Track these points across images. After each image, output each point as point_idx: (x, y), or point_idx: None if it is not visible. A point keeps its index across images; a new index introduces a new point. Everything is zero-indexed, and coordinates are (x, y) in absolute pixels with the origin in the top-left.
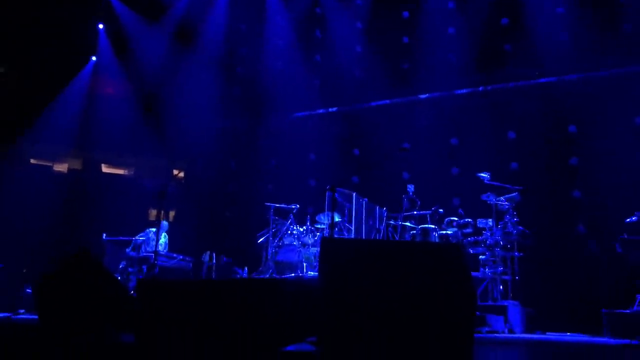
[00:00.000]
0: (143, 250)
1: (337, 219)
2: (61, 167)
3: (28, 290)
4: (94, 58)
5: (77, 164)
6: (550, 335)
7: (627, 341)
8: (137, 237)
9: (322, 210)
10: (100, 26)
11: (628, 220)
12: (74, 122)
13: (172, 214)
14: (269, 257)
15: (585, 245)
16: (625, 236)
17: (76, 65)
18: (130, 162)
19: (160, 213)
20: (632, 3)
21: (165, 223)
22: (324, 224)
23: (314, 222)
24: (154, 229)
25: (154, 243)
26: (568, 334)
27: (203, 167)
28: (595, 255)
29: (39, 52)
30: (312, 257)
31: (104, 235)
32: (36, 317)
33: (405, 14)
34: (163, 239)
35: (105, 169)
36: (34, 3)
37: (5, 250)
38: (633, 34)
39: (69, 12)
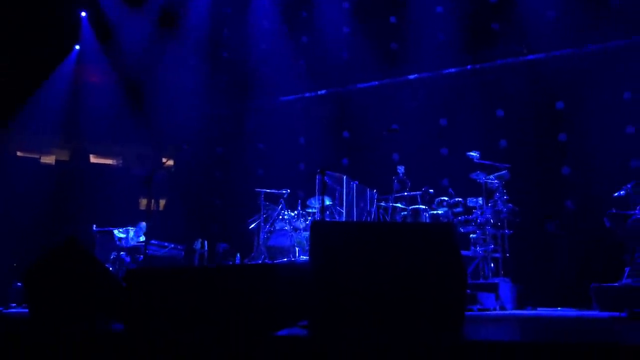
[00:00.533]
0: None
1: (327, 202)
2: (48, 159)
3: (18, 284)
4: (77, 46)
5: (64, 155)
6: (541, 311)
7: (615, 314)
8: (116, 231)
9: (312, 194)
10: (83, 14)
11: (616, 194)
12: (60, 112)
13: (162, 202)
14: (260, 242)
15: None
16: (614, 211)
17: (60, 53)
18: (119, 151)
19: (151, 202)
20: None
21: (143, 224)
22: (315, 207)
23: (305, 206)
24: (133, 228)
25: (132, 242)
26: (558, 309)
27: (192, 154)
28: (581, 231)
29: (21, 42)
30: (304, 242)
31: (94, 226)
32: (26, 311)
33: None
34: (142, 238)
35: (93, 159)
36: None
37: None
38: (621, 8)
39: (51, 1)
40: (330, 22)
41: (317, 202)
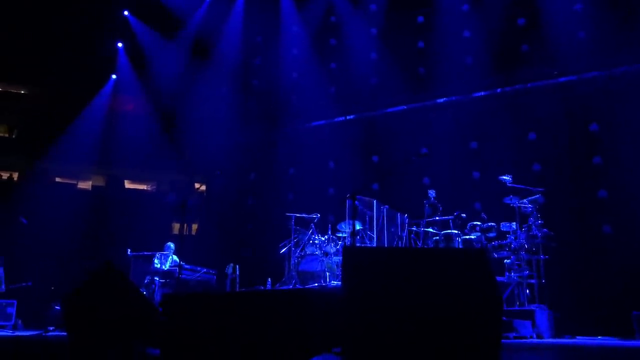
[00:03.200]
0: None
1: (358, 227)
2: (85, 185)
3: (57, 307)
4: (114, 76)
5: (100, 181)
6: (580, 340)
7: None
8: (156, 259)
9: (343, 219)
10: (120, 44)
11: None
12: (96, 139)
13: (195, 227)
14: (291, 267)
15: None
16: None
17: (97, 83)
18: (152, 177)
19: (184, 226)
20: None
21: (171, 245)
22: (345, 232)
23: (335, 230)
24: (162, 252)
25: (160, 265)
26: (598, 337)
27: (224, 179)
28: (620, 256)
29: (60, 72)
30: (335, 266)
31: (129, 250)
32: (65, 333)
33: (420, 18)
34: (170, 260)
35: (128, 184)
36: (54, 24)
37: (32, 268)
38: None
39: (89, 32)
40: (358, 48)
41: (347, 226)
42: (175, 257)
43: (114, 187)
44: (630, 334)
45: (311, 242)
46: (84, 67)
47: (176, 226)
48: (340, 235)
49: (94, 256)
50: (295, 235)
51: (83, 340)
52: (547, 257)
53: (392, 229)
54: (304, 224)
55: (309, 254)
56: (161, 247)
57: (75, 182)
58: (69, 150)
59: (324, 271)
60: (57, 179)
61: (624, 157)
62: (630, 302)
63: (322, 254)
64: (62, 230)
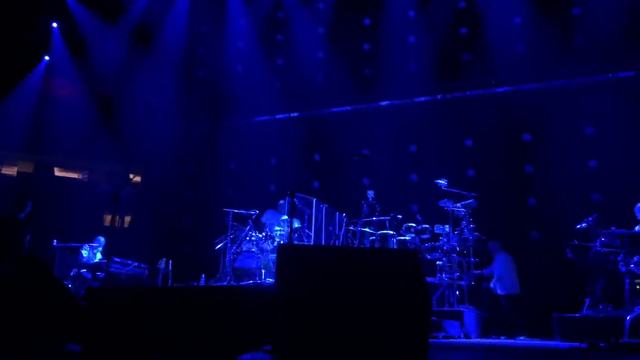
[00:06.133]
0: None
1: (296, 224)
2: (10, 170)
3: None
4: (47, 57)
5: (27, 167)
6: (504, 340)
7: (576, 344)
8: (85, 248)
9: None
10: (54, 24)
11: (578, 226)
12: (25, 123)
13: (127, 219)
14: (226, 263)
15: (538, 251)
16: (576, 242)
17: (28, 64)
18: (85, 165)
19: (115, 218)
20: (585, 17)
21: (102, 239)
22: (283, 229)
23: (258, 223)
24: (91, 244)
25: (88, 258)
26: (521, 338)
27: (160, 171)
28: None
29: None
30: (271, 264)
31: (55, 241)
32: None
33: (367, 21)
34: (98, 253)
35: (58, 172)
36: None
37: None
38: (585, 47)
39: (20, 9)
40: (305, 46)
41: (285, 224)
42: (99, 255)
43: (43, 174)
44: (550, 335)
45: (248, 238)
46: (13, 46)
47: (108, 218)
48: (278, 232)
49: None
50: (232, 232)
51: None
52: (477, 260)
53: (330, 228)
54: (242, 220)
55: (245, 251)
56: (90, 239)
57: None
58: None
59: (260, 268)
60: None
61: (552, 168)
62: (552, 304)
63: (258, 251)
64: None
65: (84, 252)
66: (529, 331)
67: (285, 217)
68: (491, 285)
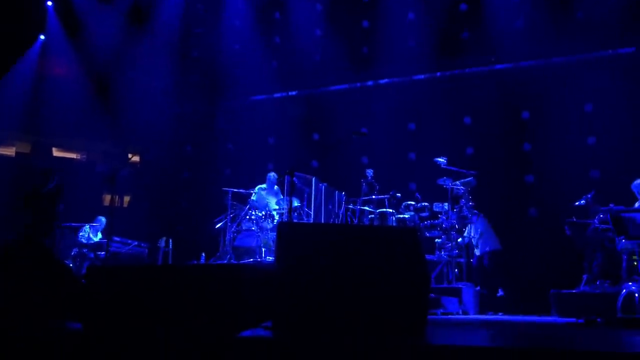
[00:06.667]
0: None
1: (296, 203)
2: (8, 151)
3: None
4: (42, 37)
5: (25, 148)
6: (501, 316)
7: (572, 320)
8: (87, 227)
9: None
10: (49, 3)
11: (576, 203)
12: (22, 104)
13: (127, 199)
14: (226, 242)
15: (536, 228)
16: (574, 219)
17: (23, 44)
18: (83, 146)
19: (114, 198)
20: None
21: (103, 219)
22: (283, 208)
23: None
24: (92, 224)
25: (89, 237)
26: (519, 314)
27: (159, 150)
28: (543, 238)
29: None
30: (271, 242)
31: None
32: None
33: None
34: (99, 234)
35: (56, 152)
36: None
37: None
38: (585, 23)
39: None
40: (303, 24)
41: (285, 202)
42: (99, 235)
43: (41, 154)
44: (547, 311)
45: (248, 217)
46: (8, 26)
47: (107, 198)
48: (278, 211)
49: (16, 226)
50: (232, 211)
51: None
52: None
53: (330, 207)
54: (242, 199)
55: (244, 230)
56: (90, 219)
57: None
58: None
59: (260, 247)
60: None
61: (551, 145)
62: (549, 281)
63: (258, 229)
64: None
65: (85, 232)
66: (526, 307)
67: (272, 191)
68: (474, 243)
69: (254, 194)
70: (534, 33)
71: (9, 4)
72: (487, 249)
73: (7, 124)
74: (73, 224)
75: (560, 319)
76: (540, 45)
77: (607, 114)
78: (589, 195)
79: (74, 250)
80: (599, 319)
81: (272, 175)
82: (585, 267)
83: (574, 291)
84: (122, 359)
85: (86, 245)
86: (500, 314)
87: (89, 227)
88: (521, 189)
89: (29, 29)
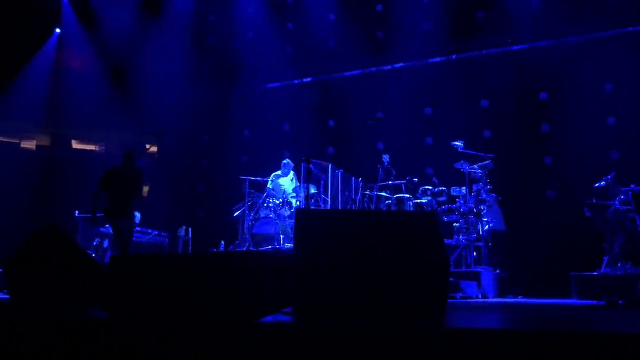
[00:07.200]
0: None
1: (312, 190)
2: (29, 144)
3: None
4: (58, 30)
5: (45, 141)
6: (521, 299)
7: (593, 302)
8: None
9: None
10: None
11: (596, 185)
12: (41, 97)
13: (146, 189)
14: (245, 230)
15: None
16: (594, 201)
17: (40, 37)
18: (101, 137)
19: None
20: None
21: (137, 214)
22: (299, 195)
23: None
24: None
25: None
26: (539, 297)
27: (176, 140)
28: (562, 220)
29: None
30: (289, 229)
31: (77, 212)
32: (8, 297)
33: None
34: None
35: (75, 144)
36: None
37: None
38: (603, 1)
39: None
40: (316, 9)
41: (302, 189)
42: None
43: (61, 147)
44: (567, 293)
45: (265, 205)
46: (24, 20)
47: None
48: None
49: (39, 218)
50: (250, 198)
51: (26, 303)
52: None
53: (347, 193)
54: (259, 187)
55: (262, 217)
56: None
57: (18, 141)
58: (10, 108)
59: (278, 234)
60: None
61: (569, 126)
62: (569, 264)
63: (276, 217)
64: (5, 192)
65: None
66: (546, 290)
67: (288, 178)
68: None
69: (269, 181)
70: (550, 12)
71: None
72: (490, 226)
73: (27, 118)
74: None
75: (581, 301)
76: (557, 25)
77: (626, 93)
78: (609, 177)
79: (96, 240)
80: (620, 301)
81: (287, 161)
82: (606, 248)
83: (595, 273)
84: (146, 346)
85: (107, 235)
86: (520, 297)
87: None
88: (539, 171)
89: (45, 23)
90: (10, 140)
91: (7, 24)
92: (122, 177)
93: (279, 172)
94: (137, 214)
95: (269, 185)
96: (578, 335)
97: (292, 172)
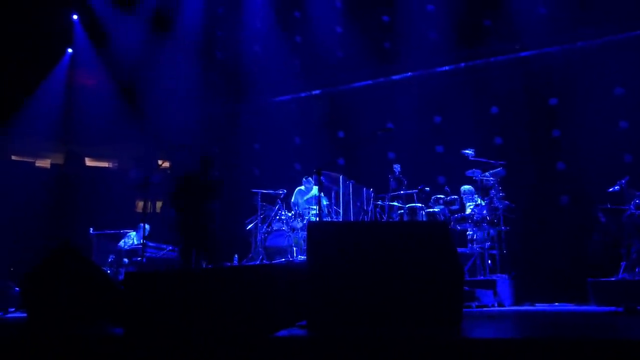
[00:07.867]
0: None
1: (324, 202)
2: (43, 163)
3: (17, 288)
4: (70, 50)
5: (59, 159)
6: (539, 307)
7: (612, 308)
8: (133, 233)
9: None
10: (75, 16)
11: (610, 189)
12: (54, 116)
13: (159, 204)
14: (258, 243)
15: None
16: (608, 206)
17: (53, 57)
18: (114, 154)
19: (147, 204)
20: None
21: (147, 226)
22: (312, 208)
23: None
24: (133, 233)
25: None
26: (556, 304)
27: (187, 155)
28: (576, 226)
29: (13, 47)
30: (302, 241)
31: (91, 229)
32: (25, 314)
33: None
34: (135, 240)
35: (89, 162)
36: None
37: None
38: (610, 4)
39: (41, 4)
40: (323, 22)
41: (313, 202)
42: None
43: (74, 165)
44: (585, 299)
45: (278, 217)
46: (37, 41)
47: (140, 204)
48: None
49: (54, 236)
50: (262, 211)
51: (43, 320)
52: (508, 228)
53: (358, 204)
54: (271, 199)
55: (275, 230)
56: (124, 226)
57: (33, 160)
58: (25, 128)
59: (291, 246)
60: (14, 157)
61: (581, 131)
62: (585, 269)
63: (289, 229)
64: (20, 210)
65: (130, 239)
66: (563, 297)
67: (311, 194)
68: None
69: (293, 196)
70: (558, 17)
71: (37, 21)
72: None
73: (41, 137)
74: (108, 231)
75: (599, 307)
76: (566, 29)
77: (638, 97)
78: (623, 181)
79: (111, 257)
80: (639, 307)
81: (309, 178)
82: (623, 253)
83: (612, 279)
84: None
85: (122, 252)
86: (537, 304)
87: (135, 234)
88: (552, 177)
89: (57, 44)
90: (25, 160)
91: (20, 45)
92: (202, 185)
93: (302, 188)
94: (147, 226)
95: (293, 199)
96: (599, 342)
97: (315, 188)
